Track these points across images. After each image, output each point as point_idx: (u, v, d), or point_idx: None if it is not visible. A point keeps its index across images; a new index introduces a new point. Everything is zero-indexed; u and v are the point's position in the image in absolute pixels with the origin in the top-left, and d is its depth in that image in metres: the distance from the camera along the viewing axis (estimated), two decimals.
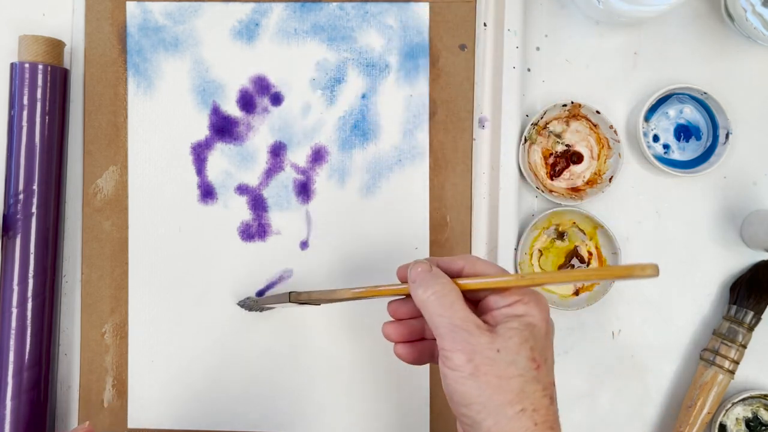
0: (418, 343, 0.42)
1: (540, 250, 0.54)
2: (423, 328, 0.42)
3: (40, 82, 0.51)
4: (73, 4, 0.55)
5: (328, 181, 0.54)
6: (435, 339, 0.40)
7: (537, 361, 0.35)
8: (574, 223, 0.54)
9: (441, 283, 0.37)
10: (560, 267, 0.54)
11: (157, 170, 0.54)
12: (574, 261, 0.54)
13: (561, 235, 0.54)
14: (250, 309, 0.52)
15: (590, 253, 0.54)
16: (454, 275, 0.38)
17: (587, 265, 0.54)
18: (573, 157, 0.54)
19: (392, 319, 0.42)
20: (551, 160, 0.54)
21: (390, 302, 0.43)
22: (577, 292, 0.54)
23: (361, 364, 0.54)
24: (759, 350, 0.53)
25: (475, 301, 0.38)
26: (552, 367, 0.37)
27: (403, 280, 0.40)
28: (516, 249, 0.52)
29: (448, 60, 0.54)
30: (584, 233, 0.54)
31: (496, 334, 0.35)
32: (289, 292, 0.46)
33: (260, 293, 0.53)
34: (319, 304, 0.46)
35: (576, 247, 0.54)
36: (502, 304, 0.37)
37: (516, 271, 0.52)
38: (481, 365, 0.34)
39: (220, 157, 0.54)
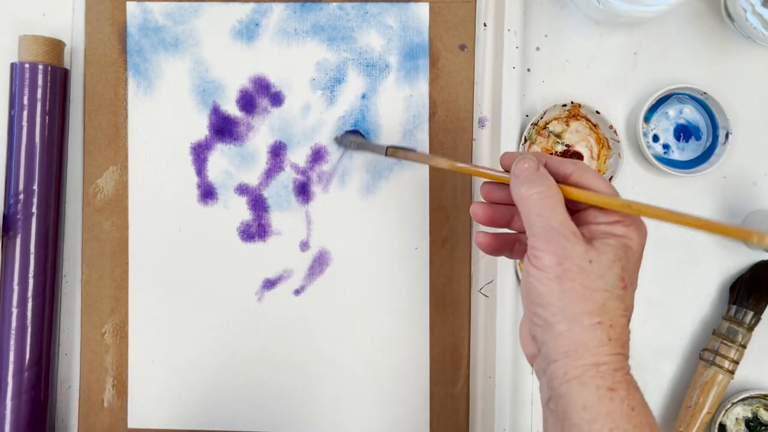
0: (501, 234, 0.41)
1: None
2: (511, 217, 0.41)
3: (40, 82, 0.51)
4: (73, 4, 0.55)
5: (329, 181, 0.54)
6: (520, 232, 0.40)
7: (625, 281, 0.35)
8: None
9: (547, 185, 0.36)
10: None
11: (157, 170, 0.54)
12: None
13: None
14: (341, 144, 0.53)
15: None
16: (560, 179, 0.37)
17: None
18: (573, 157, 0.54)
19: (482, 200, 0.42)
20: None
21: (484, 183, 0.42)
22: None
23: (361, 364, 0.54)
24: (759, 350, 0.53)
25: (574, 210, 0.38)
26: (634, 294, 0.37)
27: (507, 169, 0.39)
28: None
29: (448, 60, 0.54)
30: None
31: (591, 246, 0.35)
32: (387, 147, 0.47)
33: (352, 132, 0.53)
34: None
35: None
36: (603, 220, 0.36)
37: (516, 271, 0.52)
38: (569, 271, 0.34)
39: (220, 157, 0.54)
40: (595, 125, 0.54)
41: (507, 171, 0.39)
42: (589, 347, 0.34)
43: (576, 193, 0.37)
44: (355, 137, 0.53)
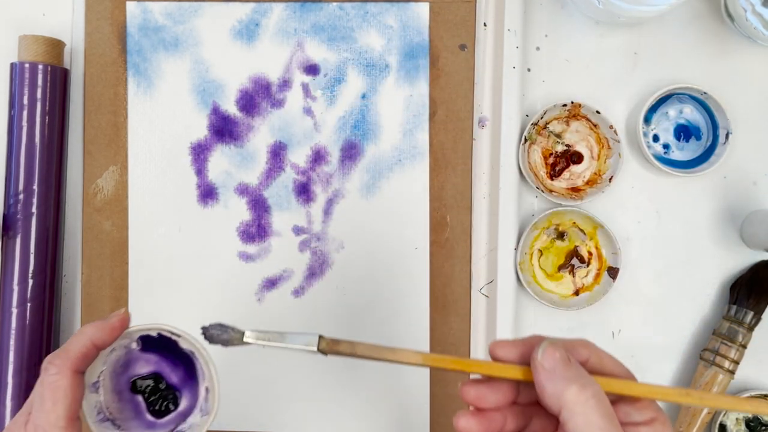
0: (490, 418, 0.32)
1: (540, 250, 0.54)
2: (504, 422, 0.32)
3: (40, 82, 0.51)
4: (73, 4, 0.55)
5: (329, 182, 0.54)
6: None
7: None
8: (574, 223, 0.54)
9: (596, 385, 0.29)
10: (560, 267, 0.54)
11: (157, 170, 0.54)
12: (574, 261, 0.54)
13: (561, 235, 0.54)
14: (212, 340, 0.34)
15: (590, 253, 0.54)
16: None
17: (587, 265, 0.54)
18: (573, 157, 0.54)
19: (470, 408, 0.32)
20: (551, 160, 0.54)
21: (468, 385, 0.31)
22: (577, 292, 0.54)
23: (361, 365, 0.54)
24: (759, 350, 0.53)
25: None
26: None
27: (507, 360, 0.31)
28: (516, 249, 0.52)
29: (448, 60, 0.54)
30: (584, 233, 0.54)
31: None
32: (319, 337, 0.33)
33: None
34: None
35: (576, 247, 0.54)
36: (639, 419, 0.31)
37: (517, 270, 0.52)
38: None
39: (220, 158, 0.54)
40: (595, 125, 0.54)
41: (498, 360, 0.31)
42: None
43: (621, 388, 0.30)
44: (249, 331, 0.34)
